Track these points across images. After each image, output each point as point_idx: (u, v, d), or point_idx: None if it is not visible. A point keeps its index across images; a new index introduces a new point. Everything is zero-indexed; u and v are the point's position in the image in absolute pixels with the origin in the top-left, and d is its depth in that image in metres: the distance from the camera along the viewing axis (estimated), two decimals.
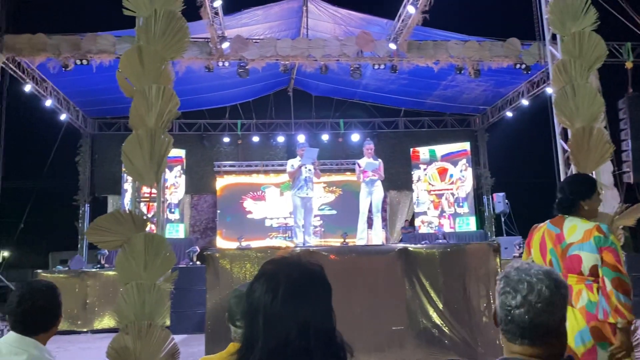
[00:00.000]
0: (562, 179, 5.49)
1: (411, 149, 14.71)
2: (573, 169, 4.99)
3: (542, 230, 2.81)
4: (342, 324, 1.34)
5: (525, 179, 16.91)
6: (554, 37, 5.79)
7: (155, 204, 4.65)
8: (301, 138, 14.53)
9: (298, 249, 6.02)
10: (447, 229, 13.55)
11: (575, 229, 2.67)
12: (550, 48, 5.77)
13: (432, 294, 5.78)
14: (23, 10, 10.65)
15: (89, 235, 4.27)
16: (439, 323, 5.76)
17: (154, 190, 4.55)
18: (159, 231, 4.62)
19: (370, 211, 7.85)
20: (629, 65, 10.57)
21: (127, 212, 4.28)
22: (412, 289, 5.84)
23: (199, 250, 10.34)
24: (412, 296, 5.78)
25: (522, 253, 10.25)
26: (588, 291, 2.59)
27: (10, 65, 10.27)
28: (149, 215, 4.48)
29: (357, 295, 5.71)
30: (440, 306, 5.76)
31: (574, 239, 2.66)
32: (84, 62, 10.19)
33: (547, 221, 2.84)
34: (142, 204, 4.95)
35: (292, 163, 8.00)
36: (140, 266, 4.26)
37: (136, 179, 4.57)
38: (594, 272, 2.60)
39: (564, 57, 5.14)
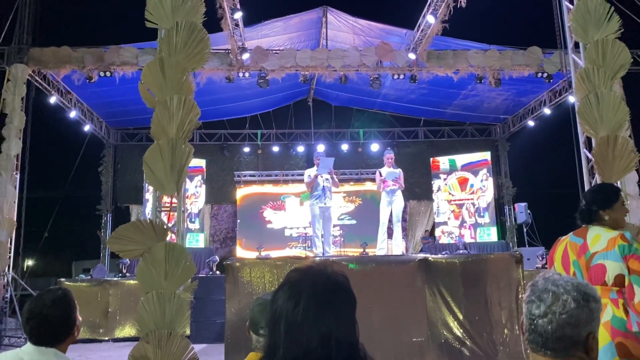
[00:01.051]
0: (586, 189, 5.40)
1: (431, 159, 14.62)
2: (597, 179, 4.89)
3: (564, 242, 2.74)
4: (362, 335, 1.33)
5: (548, 189, 16.64)
6: (576, 45, 5.73)
7: (175, 213, 4.68)
8: (320, 148, 14.58)
9: (318, 258, 6.00)
10: (467, 239, 13.39)
11: (599, 238, 2.61)
12: (573, 56, 5.70)
13: (453, 305, 5.71)
14: (49, 24, 10.90)
15: (111, 244, 4.32)
16: (459, 335, 5.68)
17: (174, 200, 4.59)
18: (180, 241, 4.65)
19: (390, 221, 7.81)
20: None
21: (148, 221, 4.32)
22: (432, 299, 5.77)
23: (218, 259, 10.40)
24: (432, 307, 5.72)
25: (545, 264, 10.08)
26: (613, 306, 2.52)
27: (36, 77, 10.52)
28: (170, 225, 4.51)
29: (377, 305, 5.67)
30: (461, 317, 5.68)
31: (598, 247, 2.59)
32: (108, 74, 10.39)
33: (571, 233, 2.78)
34: (162, 214, 4.99)
35: (309, 173, 8.02)
36: (161, 275, 4.29)
37: (157, 189, 4.62)
38: (618, 282, 2.52)
39: (587, 65, 5.07)
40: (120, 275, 10.54)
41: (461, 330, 5.69)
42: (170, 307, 4.22)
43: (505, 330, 5.76)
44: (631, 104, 9.79)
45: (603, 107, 4.83)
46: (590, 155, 5.17)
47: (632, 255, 2.50)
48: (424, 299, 5.76)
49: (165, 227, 4.41)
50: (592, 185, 2.74)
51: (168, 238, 4.47)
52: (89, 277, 10.81)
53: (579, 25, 5.18)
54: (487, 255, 6.19)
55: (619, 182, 5.06)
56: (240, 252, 13.85)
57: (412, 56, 10.60)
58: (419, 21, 10.07)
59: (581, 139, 5.40)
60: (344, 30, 11.41)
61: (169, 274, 4.30)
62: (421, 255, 6.07)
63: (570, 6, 5.62)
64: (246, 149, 15.12)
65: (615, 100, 4.87)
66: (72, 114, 12.17)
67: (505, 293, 5.81)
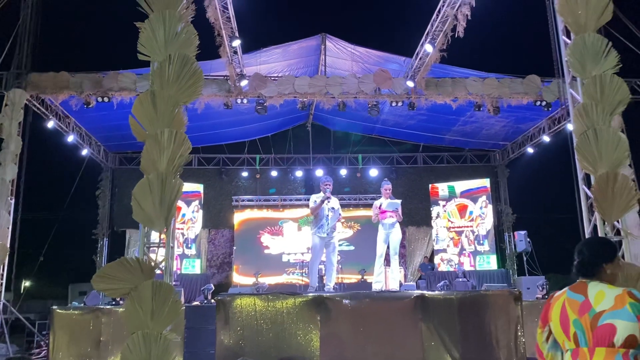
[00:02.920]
0: (585, 227, 5.28)
1: (430, 185, 14.53)
2: (597, 217, 4.79)
3: (561, 300, 2.57)
4: None
5: (548, 215, 16.54)
6: (574, 77, 5.66)
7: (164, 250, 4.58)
8: (319, 173, 14.53)
9: (311, 294, 5.87)
10: (467, 267, 13.22)
11: (603, 295, 2.47)
12: (571, 91, 5.63)
13: (450, 343, 5.55)
14: (48, 50, 10.94)
15: (96, 282, 4.20)
16: None
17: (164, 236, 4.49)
18: (167, 278, 4.53)
19: (387, 253, 7.65)
20: None
21: (135, 259, 4.21)
22: (429, 337, 5.62)
23: (213, 288, 10.22)
24: (428, 345, 5.56)
25: (545, 294, 9.90)
26: None
27: (34, 102, 10.50)
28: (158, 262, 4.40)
29: (372, 342, 5.51)
30: (458, 356, 5.52)
31: (604, 306, 2.44)
32: (105, 99, 10.37)
33: (567, 289, 2.62)
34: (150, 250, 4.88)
35: (315, 198, 7.66)
36: (147, 315, 4.16)
37: (145, 225, 4.52)
38: (629, 343, 2.37)
39: (585, 101, 5.00)
40: (114, 302, 10.35)
41: None
42: (156, 348, 4.09)
43: None
44: (632, 134, 9.77)
45: (602, 144, 4.74)
46: (589, 193, 5.07)
47: None
48: (421, 336, 5.61)
49: (152, 264, 4.30)
50: (586, 238, 2.60)
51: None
52: (82, 304, 10.62)
53: (577, 60, 5.12)
54: (485, 291, 6.05)
55: (619, 220, 4.96)
56: (237, 278, 13.68)
57: (410, 84, 10.58)
58: (418, 49, 10.08)
59: (580, 176, 5.30)
60: (343, 57, 11.43)
61: (156, 314, 4.18)
62: (417, 292, 5.94)
63: (568, 41, 5.57)
64: (244, 174, 15.05)
65: (614, 137, 4.79)
66: (70, 138, 12.12)
67: (504, 331, 5.65)
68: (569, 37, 5.59)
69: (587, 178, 5.26)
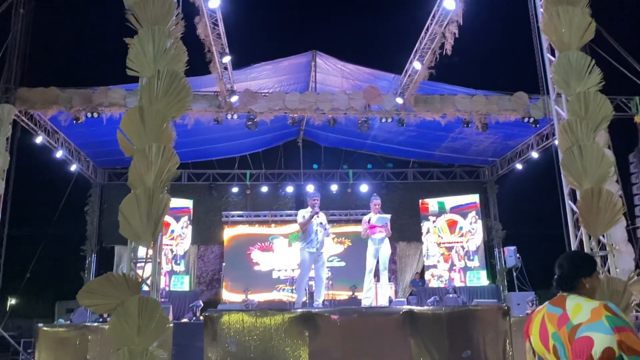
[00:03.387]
0: (572, 242, 5.32)
1: (420, 201, 14.58)
2: (583, 232, 4.83)
3: (541, 313, 2.59)
4: None
5: (537, 231, 16.59)
6: (559, 93, 5.75)
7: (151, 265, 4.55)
8: (310, 188, 14.53)
9: (299, 310, 5.83)
10: (457, 282, 13.23)
11: (580, 308, 2.50)
12: (556, 107, 5.71)
13: (438, 359, 5.52)
14: (37, 65, 10.92)
15: (81, 298, 4.16)
16: None
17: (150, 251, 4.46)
18: (154, 294, 4.49)
19: (376, 269, 7.63)
20: (638, 119, 10.50)
21: (122, 274, 4.18)
22: (417, 352, 5.59)
23: (202, 304, 10.14)
24: None
25: (534, 310, 9.94)
26: None
27: (23, 117, 10.45)
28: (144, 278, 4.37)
29: (361, 358, 5.47)
30: None
31: (581, 319, 2.47)
32: (95, 114, 10.35)
33: (547, 303, 2.66)
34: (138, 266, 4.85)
35: (303, 214, 7.69)
36: (133, 331, 4.13)
37: (132, 239, 4.49)
38: (606, 356, 2.39)
39: (570, 117, 5.08)
40: (101, 319, 10.22)
41: None
42: None
43: None
44: (617, 149, 9.89)
45: (586, 160, 4.80)
46: (575, 208, 5.12)
47: (622, 328, 2.38)
48: (410, 352, 5.57)
49: (139, 280, 4.27)
50: (566, 252, 2.64)
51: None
52: (69, 322, 10.48)
53: (561, 77, 5.21)
54: (474, 307, 6.05)
55: (605, 234, 5.01)
56: (227, 295, 13.57)
57: (399, 100, 10.67)
58: (406, 67, 10.19)
59: (566, 191, 5.36)
60: (333, 73, 11.52)
61: (142, 330, 4.14)
62: (406, 307, 5.93)
63: (552, 58, 5.67)
64: (235, 189, 15.01)
65: (599, 153, 4.85)
66: (59, 154, 12.05)
67: (493, 346, 5.63)
68: (553, 55, 5.69)
69: (573, 193, 5.32)
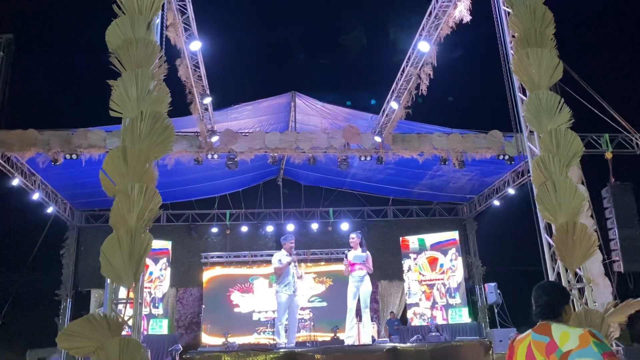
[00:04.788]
0: (550, 274, 5.42)
1: (401, 238, 14.65)
2: (560, 265, 4.94)
3: (526, 342, 2.63)
4: None
5: (516, 267, 16.74)
6: (532, 131, 5.96)
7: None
8: (290, 227, 14.53)
9: (282, 350, 5.77)
10: (439, 320, 13.19)
11: (568, 335, 2.55)
12: (529, 144, 5.92)
13: None
14: (15, 106, 10.90)
15: (60, 341, 4.07)
16: None
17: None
18: (135, 335, 4.42)
19: (358, 307, 7.60)
20: (608, 155, 10.85)
21: (102, 315, 4.11)
22: None
23: (181, 348, 9.92)
24: None
25: (515, 339, 9.94)
26: None
27: (0, 160, 10.34)
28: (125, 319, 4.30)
29: None
30: None
31: (570, 346, 2.51)
32: (74, 156, 10.29)
33: (530, 331, 2.69)
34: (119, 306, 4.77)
35: (279, 257, 7.73)
36: None
37: (114, 280, 4.44)
38: None
39: (543, 153, 5.26)
40: None
41: None
42: None
43: None
44: (591, 185, 10.16)
45: (560, 194, 4.96)
46: (551, 241, 5.24)
47: (608, 354, 2.45)
48: None
49: (120, 321, 4.20)
50: (541, 283, 2.71)
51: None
52: None
53: (533, 115, 5.42)
54: (457, 343, 6.06)
55: (581, 267, 5.11)
56: (206, 338, 13.27)
57: (378, 139, 10.88)
58: (384, 106, 10.45)
59: (542, 224, 5.49)
60: (312, 113, 11.72)
61: None
62: (389, 345, 5.90)
63: (524, 97, 5.91)
64: (214, 230, 14.91)
65: (571, 187, 5.01)
66: (35, 196, 11.88)
67: None
68: (525, 94, 5.93)
69: (548, 227, 5.45)
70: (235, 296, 14.19)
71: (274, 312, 13.46)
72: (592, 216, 9.93)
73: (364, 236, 8.51)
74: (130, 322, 4.41)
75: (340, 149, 11.11)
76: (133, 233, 4.43)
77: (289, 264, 7.46)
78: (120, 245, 4.41)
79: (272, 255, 14.12)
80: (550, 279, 5.39)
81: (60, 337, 4.08)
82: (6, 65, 10.27)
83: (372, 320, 11.12)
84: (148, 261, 12.86)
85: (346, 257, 7.86)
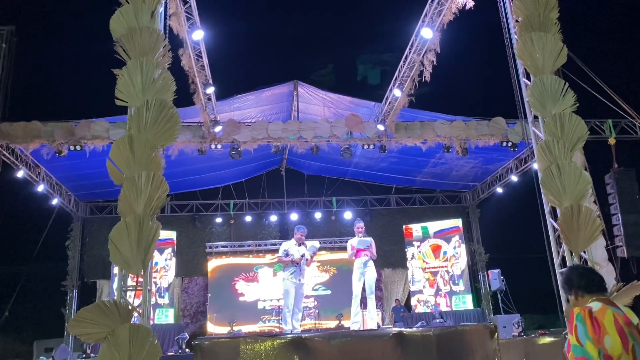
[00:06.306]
0: (555, 259, 5.45)
1: (404, 226, 14.70)
2: (565, 248, 4.96)
3: (609, 313, 2.50)
4: None
5: (519, 254, 16.81)
6: (536, 117, 5.97)
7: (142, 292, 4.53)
8: (294, 216, 14.60)
9: (289, 335, 5.83)
10: (443, 307, 13.26)
11: (626, 309, 2.57)
12: (533, 129, 5.93)
13: None
14: (19, 98, 10.91)
15: (72, 328, 4.13)
16: None
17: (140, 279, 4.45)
18: (145, 321, 4.47)
19: (364, 290, 7.65)
20: (612, 141, 10.83)
21: (112, 302, 4.16)
22: None
23: (188, 337, 9.99)
24: None
25: (521, 332, 9.93)
26: None
27: (4, 151, 10.38)
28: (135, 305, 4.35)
29: None
30: None
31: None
32: (78, 147, 10.32)
33: (601, 303, 2.56)
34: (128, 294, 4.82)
35: (286, 247, 7.74)
36: (124, 359, 4.09)
37: (122, 267, 4.48)
38: None
39: (547, 138, 5.27)
40: (84, 355, 10.00)
41: None
42: None
43: None
44: (594, 171, 10.16)
45: (565, 178, 4.98)
46: (556, 225, 5.27)
47: None
48: None
49: (130, 307, 4.25)
50: (575, 265, 2.69)
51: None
52: (50, 359, 10.22)
53: (537, 100, 5.43)
54: (462, 327, 6.11)
55: (586, 250, 5.14)
56: (212, 327, 13.37)
57: (381, 127, 10.88)
58: (387, 94, 10.43)
59: (547, 209, 5.52)
60: (315, 102, 11.72)
61: (133, 358, 4.10)
62: (395, 330, 5.96)
63: (528, 82, 5.91)
64: (218, 220, 14.98)
65: (576, 171, 5.03)
66: (40, 188, 11.93)
67: None
68: (529, 79, 5.93)
69: (553, 211, 5.48)
70: (240, 285, 14.27)
71: (278, 300, 13.59)
72: (595, 202, 9.94)
73: (366, 225, 8.57)
74: (139, 309, 4.46)
75: (343, 138, 11.11)
76: (141, 220, 4.47)
77: (293, 262, 7.54)
78: (129, 233, 4.45)
79: (275, 244, 14.42)
80: (555, 263, 5.44)
81: (71, 324, 4.13)
82: (8, 57, 10.28)
83: (376, 308, 11.19)
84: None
85: (351, 246, 7.87)
